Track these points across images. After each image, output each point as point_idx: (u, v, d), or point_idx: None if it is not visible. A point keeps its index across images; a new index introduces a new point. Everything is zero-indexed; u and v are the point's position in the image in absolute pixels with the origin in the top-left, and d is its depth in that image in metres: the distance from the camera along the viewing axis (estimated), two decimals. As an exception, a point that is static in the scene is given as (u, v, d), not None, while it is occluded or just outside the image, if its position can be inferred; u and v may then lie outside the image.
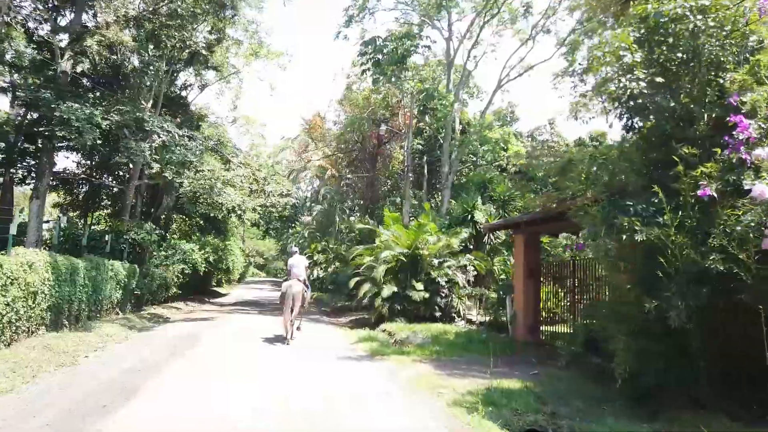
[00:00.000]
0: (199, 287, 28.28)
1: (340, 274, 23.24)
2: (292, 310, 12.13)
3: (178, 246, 22.47)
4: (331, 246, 34.47)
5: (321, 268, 31.96)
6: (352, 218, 41.51)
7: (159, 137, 17.25)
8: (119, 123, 16.71)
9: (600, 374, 7.25)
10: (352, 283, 16.06)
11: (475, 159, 24.31)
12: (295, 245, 22.64)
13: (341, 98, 27.45)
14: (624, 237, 5.53)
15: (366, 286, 15.33)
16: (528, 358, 10.51)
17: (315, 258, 30.82)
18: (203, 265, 24.32)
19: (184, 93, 25.59)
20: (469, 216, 17.26)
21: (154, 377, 7.86)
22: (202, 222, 28.64)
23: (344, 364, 9.51)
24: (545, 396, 6.87)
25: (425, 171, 22.50)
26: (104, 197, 26.47)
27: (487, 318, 14.38)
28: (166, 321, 17.00)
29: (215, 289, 35.63)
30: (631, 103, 5.79)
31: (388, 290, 14.79)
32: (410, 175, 21.40)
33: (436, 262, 15.47)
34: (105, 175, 24.50)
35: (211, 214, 18.82)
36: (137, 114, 17.20)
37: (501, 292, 13.68)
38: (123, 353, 10.24)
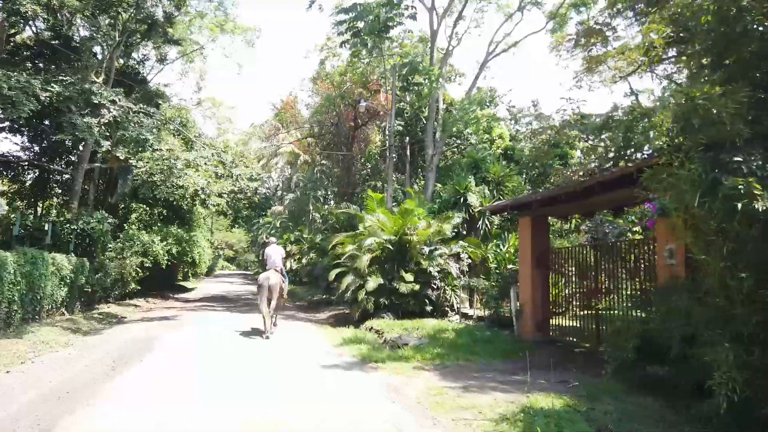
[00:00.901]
0: (162, 282, 26.11)
1: (317, 265, 21.41)
2: (269, 302, 11.68)
3: (137, 237, 20.30)
4: (305, 236, 32.51)
5: (294, 260, 30.03)
6: (326, 207, 39.65)
7: (109, 112, 15.08)
8: (62, 95, 14.52)
9: (666, 390, 5.68)
10: (332, 275, 14.26)
11: (459, 142, 22.67)
12: (271, 236, 20.85)
13: (315, 76, 25.39)
14: (738, 206, 3.90)
15: (348, 279, 13.57)
16: (547, 361, 8.95)
17: (288, 249, 28.86)
18: (165, 258, 22.19)
19: (141, 69, 23.20)
20: (462, 199, 15.59)
21: (81, 407, 5.93)
22: (165, 211, 26.35)
23: (331, 376, 7.73)
24: (601, 419, 5.26)
25: (407, 153, 20.77)
26: (55, 185, 24.08)
27: (486, 312, 12.79)
28: (120, 321, 14.97)
29: (181, 283, 33.43)
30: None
31: (373, 282, 13.07)
32: (393, 156, 19.64)
33: (426, 250, 13.80)
34: (56, 161, 22.14)
35: (172, 200, 16.63)
36: (84, 86, 15.03)
37: (503, 283, 12.09)
38: (56, 366, 8.29)
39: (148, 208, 26.17)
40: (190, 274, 36.88)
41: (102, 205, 21.20)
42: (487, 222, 15.61)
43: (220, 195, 17.28)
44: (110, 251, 18.57)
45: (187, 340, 11.17)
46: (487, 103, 26.75)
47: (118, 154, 14.86)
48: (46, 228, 14.47)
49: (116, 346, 10.30)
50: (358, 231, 14.85)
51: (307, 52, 52.88)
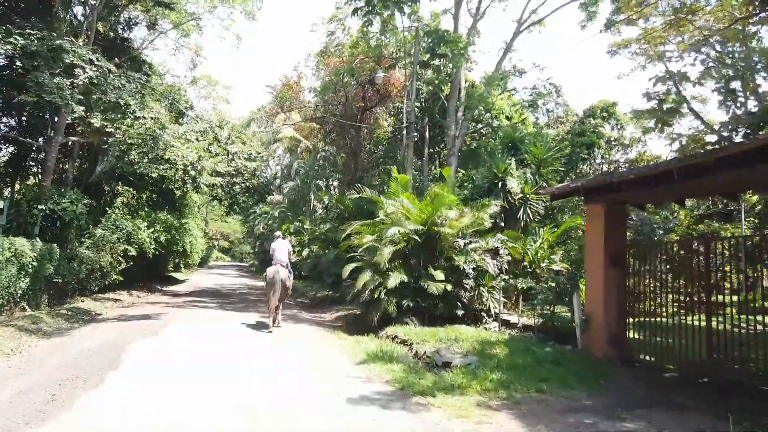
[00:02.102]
0: (150, 273, 23.77)
1: (322, 258, 19.09)
2: (276, 297, 11.46)
3: (120, 223, 17.98)
4: (306, 226, 30.19)
5: (293, 252, 27.69)
6: (330, 193, 37.18)
7: (84, 73, 12.73)
8: (27, 49, 12.18)
9: None
10: (346, 270, 11.89)
11: (480, 126, 20.32)
12: (266, 227, 18.70)
13: (323, 49, 22.87)
14: None
15: (366, 275, 11.25)
16: (641, 393, 6.73)
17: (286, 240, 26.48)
18: (152, 246, 19.87)
19: (128, 34, 20.71)
20: (500, 184, 13.26)
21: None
22: (154, 196, 23.95)
23: (364, 420, 5.42)
24: None
25: (426, 135, 18.39)
26: (32, 164, 21.66)
27: (535, 320, 10.50)
28: (93, 319, 12.68)
29: (172, 274, 31.07)
30: None
31: (395, 280, 10.77)
32: (414, 134, 17.30)
33: (460, 243, 11.52)
34: (36, 137, 19.76)
35: (155, 175, 13.97)
36: (55, 42, 12.69)
37: (562, 286, 9.81)
38: (-19, 388, 6.00)
39: (134, 192, 23.77)
40: (181, 265, 34.45)
41: (82, 186, 18.89)
42: (529, 211, 13.31)
43: (214, 173, 14.81)
44: (87, 237, 16.27)
45: (167, 350, 8.85)
46: (501, 85, 24.37)
47: (92, 121, 12.46)
48: (1, 206, 12.13)
49: (74, 357, 8.00)
50: (377, 219, 12.53)
51: (313, 26, 49.12)
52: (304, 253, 26.00)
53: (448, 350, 8.47)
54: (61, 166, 20.83)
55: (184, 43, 26.01)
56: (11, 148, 20.47)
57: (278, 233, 13.45)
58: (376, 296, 10.99)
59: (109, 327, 11.27)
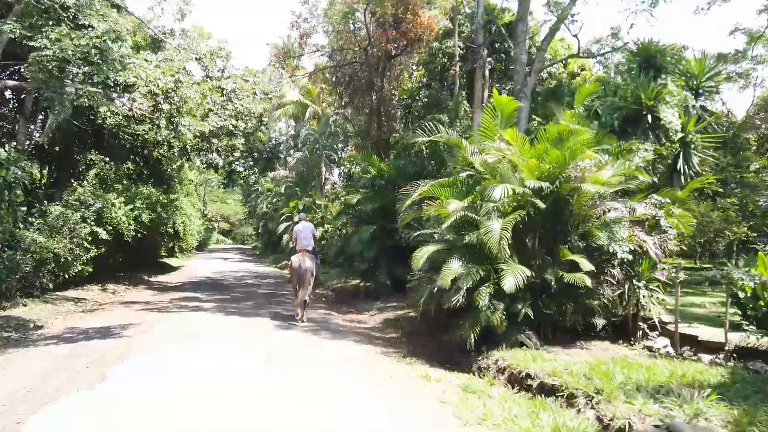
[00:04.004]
0: (135, 261, 19.44)
1: (351, 238, 14.64)
2: (304, 288, 10.00)
3: (85, 198, 13.64)
4: (318, 202, 25.76)
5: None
6: (335, 169, 32.64)
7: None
8: None
9: None
10: (418, 259, 7.18)
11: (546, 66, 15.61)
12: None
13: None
14: None
15: (454, 266, 6.77)
16: None
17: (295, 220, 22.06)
18: (131, 228, 15.50)
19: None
20: (647, 117, 8.59)
21: None
22: (139, 169, 19.30)
23: None
24: None
25: (485, 74, 13.58)
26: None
27: (745, 338, 6.01)
28: (23, 339, 8.32)
29: (165, 260, 26.67)
30: None
31: (515, 276, 6.30)
32: (488, 60, 12.68)
33: (611, 207, 7.01)
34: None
35: (103, 109, 9.03)
36: None
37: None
38: None
39: (112, 163, 19.18)
40: (176, 250, 30.01)
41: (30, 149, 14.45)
42: (694, 160, 8.73)
43: (205, 116, 10.13)
44: (37, 216, 11.96)
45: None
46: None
47: (2, 29, 7.92)
48: None
49: None
50: (467, 174, 7.91)
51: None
52: (317, 233, 21.66)
53: (690, 426, 4.04)
54: (14, 126, 16.41)
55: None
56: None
57: (303, 214, 11.86)
58: (478, 302, 6.52)
59: (32, 358, 6.84)
